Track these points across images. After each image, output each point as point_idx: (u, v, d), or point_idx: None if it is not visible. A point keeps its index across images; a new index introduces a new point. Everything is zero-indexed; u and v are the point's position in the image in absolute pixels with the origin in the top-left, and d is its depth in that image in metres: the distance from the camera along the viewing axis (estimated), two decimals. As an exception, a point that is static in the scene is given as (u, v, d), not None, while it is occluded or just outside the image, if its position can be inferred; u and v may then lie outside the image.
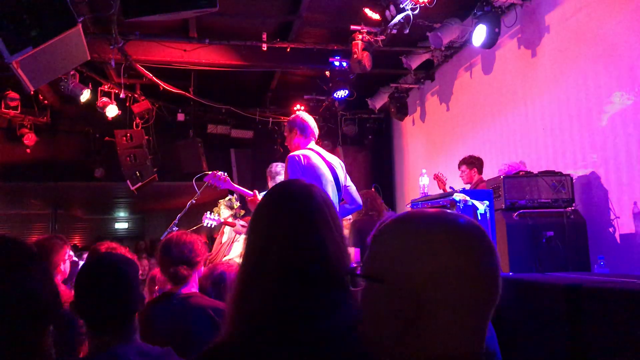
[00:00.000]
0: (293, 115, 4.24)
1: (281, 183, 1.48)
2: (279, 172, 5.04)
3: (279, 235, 1.32)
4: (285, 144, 4.28)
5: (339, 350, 1.24)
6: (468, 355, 0.91)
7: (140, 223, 19.04)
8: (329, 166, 4.02)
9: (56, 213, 16.46)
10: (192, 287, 2.74)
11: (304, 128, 4.13)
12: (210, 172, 4.29)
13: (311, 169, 3.87)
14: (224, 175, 4.25)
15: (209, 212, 5.49)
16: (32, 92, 3.68)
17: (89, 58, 3.57)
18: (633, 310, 1.55)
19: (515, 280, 2.35)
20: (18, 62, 3.31)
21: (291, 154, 3.95)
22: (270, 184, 5.18)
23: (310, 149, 4.06)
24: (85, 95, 7.34)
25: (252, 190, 4.19)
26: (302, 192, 1.40)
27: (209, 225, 5.43)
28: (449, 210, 1.01)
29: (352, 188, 4.23)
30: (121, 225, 19.13)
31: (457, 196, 3.28)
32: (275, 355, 1.21)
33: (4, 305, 1.05)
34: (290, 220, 1.34)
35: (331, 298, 1.29)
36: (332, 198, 3.89)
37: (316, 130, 4.21)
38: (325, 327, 1.25)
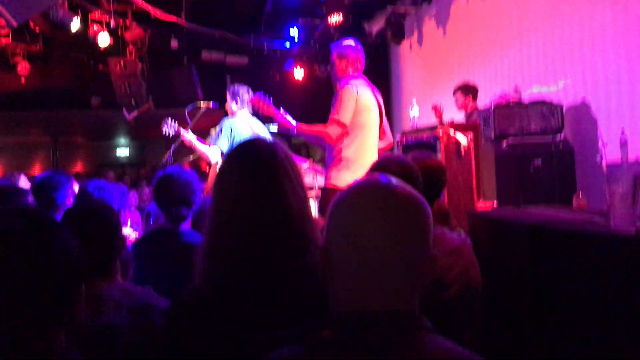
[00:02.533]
0: (344, 43, 4.16)
1: (245, 141, 1.54)
2: (237, 92, 5.04)
3: (245, 190, 1.41)
4: (333, 70, 4.21)
5: (300, 295, 1.34)
6: (388, 312, 0.99)
7: (141, 149, 19.12)
8: (375, 98, 4.03)
9: (57, 141, 16.51)
10: (188, 225, 2.81)
11: (356, 58, 4.08)
12: (256, 93, 4.14)
13: (364, 99, 3.87)
14: (268, 98, 4.06)
15: (169, 118, 5.38)
16: (15, 27, 3.63)
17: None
18: (583, 249, 1.63)
19: (487, 215, 2.42)
20: (-3, -3, 3.26)
21: (345, 80, 3.93)
22: (230, 104, 5.16)
23: (360, 78, 4.04)
24: (76, 24, 7.22)
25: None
26: (265, 148, 1.47)
27: (166, 134, 5.37)
28: (381, 180, 1.06)
29: (387, 125, 4.24)
30: (122, 152, 19.22)
31: (441, 130, 3.31)
32: (242, 302, 1.31)
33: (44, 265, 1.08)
34: (254, 176, 1.42)
35: (293, 246, 1.38)
36: (374, 132, 3.95)
37: (363, 61, 4.15)
38: (288, 274, 1.35)
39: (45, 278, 1.07)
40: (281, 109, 3.99)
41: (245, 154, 1.49)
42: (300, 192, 1.44)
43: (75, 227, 1.78)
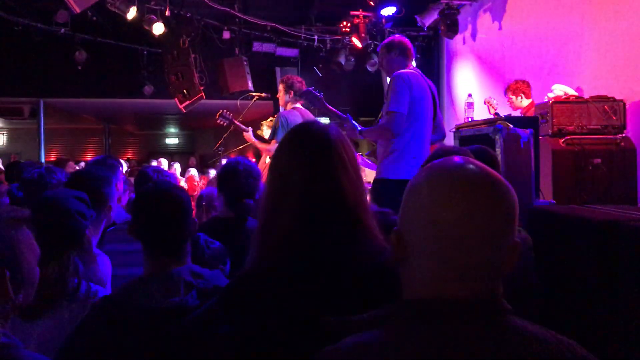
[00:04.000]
0: (389, 38, 4.17)
1: (300, 124, 1.53)
2: (291, 83, 5.03)
3: (297, 173, 1.40)
4: (383, 65, 4.21)
5: (357, 279, 1.31)
6: (467, 300, 0.95)
7: (190, 139, 19.44)
8: (428, 89, 4.00)
9: (109, 128, 16.94)
10: None
11: (404, 49, 4.07)
12: (308, 88, 4.18)
13: (418, 90, 3.85)
14: (320, 93, 4.11)
15: (224, 110, 5.47)
16: (77, 12, 3.70)
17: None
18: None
19: (549, 211, 2.34)
20: (62, -17, 3.33)
21: (399, 72, 3.91)
22: (284, 97, 5.16)
23: (411, 69, 4.03)
24: (132, 13, 7.34)
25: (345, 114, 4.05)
26: (319, 132, 1.46)
27: (221, 122, 5.46)
28: (465, 160, 1.01)
29: (441, 117, 4.21)
30: (171, 141, 19.59)
31: (500, 123, 3.22)
32: (294, 285, 1.29)
33: None
34: (308, 159, 1.41)
35: (346, 230, 1.36)
36: (428, 123, 3.92)
37: (413, 52, 4.14)
38: (340, 257, 1.33)
39: None
40: (348, 115, 3.97)
41: (299, 137, 1.48)
42: (353, 176, 1.42)
43: (151, 209, 1.80)
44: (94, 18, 8.63)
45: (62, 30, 8.36)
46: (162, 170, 3.03)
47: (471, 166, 0.98)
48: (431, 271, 0.96)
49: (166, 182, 2.14)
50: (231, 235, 2.60)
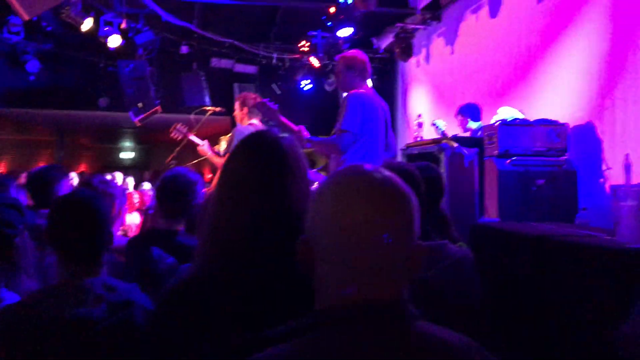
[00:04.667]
0: (351, 53, 4.20)
1: (254, 132, 1.54)
2: (246, 100, 5.05)
3: (246, 181, 1.41)
4: (339, 80, 4.24)
5: (294, 289, 1.33)
6: (380, 301, 0.97)
7: (146, 153, 19.16)
8: (381, 109, 4.07)
9: (62, 140, 16.55)
10: (181, 224, 2.79)
11: (363, 69, 4.12)
12: (263, 100, 4.18)
13: (370, 110, 3.92)
14: (275, 105, 4.10)
15: (179, 124, 5.45)
16: (26, 19, 3.66)
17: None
18: (589, 262, 1.63)
19: (489, 227, 2.43)
20: (11, -10, 3.29)
21: (354, 91, 3.97)
22: (239, 113, 5.18)
23: (366, 89, 4.08)
24: (87, 24, 7.26)
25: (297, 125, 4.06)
26: (272, 141, 1.47)
27: (175, 137, 5.43)
28: (367, 168, 1.04)
29: (392, 136, 4.28)
30: (127, 155, 19.26)
31: (446, 142, 3.32)
32: (236, 292, 1.30)
33: None
34: (258, 166, 1.43)
35: (290, 240, 1.38)
36: (381, 141, 3.97)
37: (370, 72, 4.21)
38: (281, 271, 1.34)
39: None
40: (300, 126, 4.02)
41: (251, 144, 1.49)
42: (302, 186, 1.44)
43: (64, 216, 1.78)
44: (49, 28, 8.50)
45: (14, 39, 8.19)
46: (108, 181, 3.00)
47: (372, 172, 1.01)
48: (336, 277, 0.98)
49: (87, 191, 2.11)
50: (163, 247, 2.61)
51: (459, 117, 5.88)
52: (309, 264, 1.02)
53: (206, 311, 1.30)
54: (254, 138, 1.51)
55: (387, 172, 1.03)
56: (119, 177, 9.54)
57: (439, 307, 1.88)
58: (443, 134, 4.75)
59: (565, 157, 4.59)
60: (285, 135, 1.57)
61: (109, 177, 9.41)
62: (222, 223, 1.40)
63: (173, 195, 2.70)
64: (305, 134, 3.94)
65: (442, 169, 3.33)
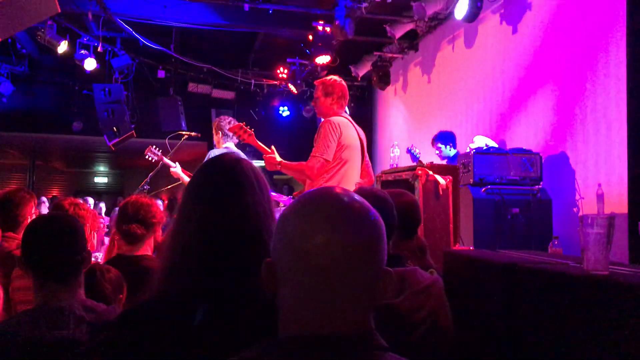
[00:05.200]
0: (330, 80, 4.18)
1: (214, 156, 1.54)
2: (221, 124, 5.07)
3: (207, 200, 1.40)
4: (317, 106, 4.21)
5: (257, 308, 1.28)
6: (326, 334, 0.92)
7: (120, 178, 18.97)
8: (358, 136, 4.07)
9: (34, 164, 16.30)
10: (147, 250, 2.75)
11: (341, 97, 4.12)
12: (239, 123, 4.18)
13: (346, 136, 3.91)
14: (250, 129, 4.14)
15: (153, 146, 5.42)
16: (0, 41, 3.60)
17: (59, 11, 3.50)
18: (557, 289, 1.60)
19: (462, 255, 2.40)
20: (-18, 10, 3.24)
21: (330, 118, 3.97)
22: (215, 137, 5.20)
23: (343, 116, 4.08)
24: (63, 47, 7.21)
25: (270, 148, 4.09)
26: (228, 160, 1.48)
27: (149, 158, 5.39)
28: (333, 190, 1.01)
29: (369, 163, 4.27)
30: (101, 180, 19.05)
31: (420, 170, 3.31)
32: (194, 313, 1.25)
33: None
34: (217, 184, 1.42)
35: (251, 260, 1.34)
36: (356, 168, 3.95)
37: (347, 99, 4.21)
38: (244, 287, 1.30)
39: None
40: (272, 148, 4.04)
41: (210, 166, 1.49)
42: (265, 205, 1.42)
43: (40, 235, 1.75)
44: (24, 50, 8.42)
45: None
46: (79, 203, 2.93)
47: (338, 195, 0.98)
48: (297, 302, 0.94)
49: (60, 212, 2.10)
50: (127, 272, 2.56)
51: (436, 145, 5.91)
52: (272, 287, 0.98)
53: (161, 333, 1.25)
54: (213, 159, 1.52)
55: (355, 196, 1.00)
56: (90, 202, 9.38)
57: (408, 333, 1.83)
58: (418, 160, 4.76)
59: (540, 186, 4.61)
60: (243, 156, 1.57)
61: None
62: (180, 243, 1.37)
63: (125, 219, 2.67)
64: (276, 157, 3.97)
65: (417, 196, 3.30)
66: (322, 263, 0.91)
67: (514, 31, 5.63)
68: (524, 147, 4.87)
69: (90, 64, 7.77)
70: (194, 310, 1.26)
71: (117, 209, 8.84)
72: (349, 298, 0.92)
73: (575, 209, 4.66)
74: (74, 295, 1.73)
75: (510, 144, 5.19)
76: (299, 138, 9.92)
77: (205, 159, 4.95)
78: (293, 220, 0.96)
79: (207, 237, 1.35)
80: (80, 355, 1.48)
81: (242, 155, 5.01)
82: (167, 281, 1.35)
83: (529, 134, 5.32)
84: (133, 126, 8.51)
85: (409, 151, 4.99)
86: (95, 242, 3.39)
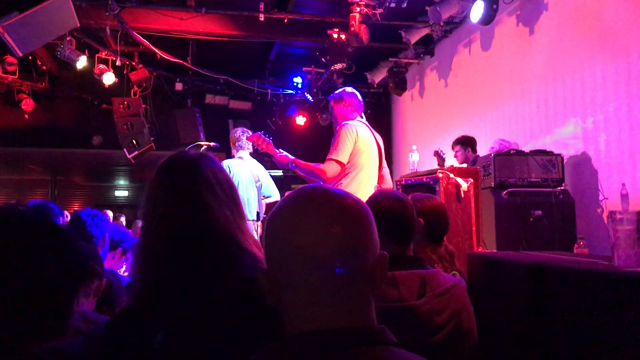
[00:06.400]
0: (338, 91, 4.24)
1: (171, 156, 1.52)
2: (237, 135, 5.09)
3: (160, 203, 1.40)
4: (333, 115, 4.27)
5: (229, 305, 1.27)
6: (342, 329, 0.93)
7: (140, 191, 19.07)
8: (375, 141, 4.05)
9: (55, 179, 16.49)
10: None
11: (352, 101, 4.13)
12: (257, 132, 4.20)
13: (362, 141, 3.89)
14: (268, 138, 4.14)
15: None
16: (20, 56, 3.67)
17: (78, 25, 3.55)
18: (586, 288, 1.56)
19: (485, 257, 2.36)
20: (4, 27, 3.30)
21: (346, 122, 3.97)
22: (232, 146, 5.22)
23: (359, 120, 4.08)
24: (82, 62, 7.29)
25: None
26: (186, 157, 1.48)
27: None
28: (314, 186, 1.03)
29: (387, 170, 4.26)
30: (121, 193, 19.17)
31: (440, 173, 3.28)
32: (168, 319, 1.25)
33: None
34: (172, 188, 1.41)
35: (219, 257, 1.33)
36: (373, 173, 3.94)
37: (362, 105, 4.21)
38: (213, 285, 1.31)
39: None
40: (280, 150, 4.03)
41: (167, 168, 1.47)
42: (228, 203, 1.42)
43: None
44: (44, 67, 8.55)
45: (10, 78, 8.22)
46: (97, 213, 2.94)
47: (321, 189, 1.00)
48: (303, 301, 0.94)
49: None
50: None
51: (456, 148, 5.86)
52: (274, 295, 0.98)
53: (140, 342, 1.25)
54: (170, 158, 1.50)
55: (336, 189, 1.02)
56: (109, 215, 9.47)
57: (431, 335, 1.81)
58: (440, 164, 4.73)
59: (562, 187, 4.55)
60: (205, 153, 1.54)
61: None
62: (146, 249, 1.38)
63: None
64: (289, 155, 3.94)
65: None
66: (319, 256, 0.92)
67: (531, 32, 5.58)
68: (545, 149, 4.82)
69: (108, 79, 7.85)
70: (154, 331, 1.26)
71: (138, 221, 8.90)
72: (350, 289, 0.94)
73: (599, 210, 4.58)
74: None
75: (531, 146, 5.12)
76: (316, 146, 9.89)
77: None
78: (283, 221, 0.97)
79: (171, 245, 1.34)
80: None
81: (265, 172, 4.97)
82: (134, 294, 1.35)
83: (549, 135, 5.25)
84: (152, 139, 8.58)
85: (436, 153, 4.95)
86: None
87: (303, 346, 0.91)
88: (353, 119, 4.06)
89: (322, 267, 0.92)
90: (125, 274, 3.61)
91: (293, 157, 3.96)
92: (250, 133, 4.67)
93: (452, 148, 5.91)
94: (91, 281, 1.79)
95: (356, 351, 0.90)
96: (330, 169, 3.80)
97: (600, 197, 4.57)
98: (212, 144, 5.97)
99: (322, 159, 3.98)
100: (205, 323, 1.25)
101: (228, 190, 1.44)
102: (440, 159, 6.06)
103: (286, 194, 1.08)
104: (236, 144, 5.23)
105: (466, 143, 5.87)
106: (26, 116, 8.96)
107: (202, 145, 6.24)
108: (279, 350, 0.93)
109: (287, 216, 0.97)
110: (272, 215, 1.00)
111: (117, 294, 2.30)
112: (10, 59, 7.94)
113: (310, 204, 0.97)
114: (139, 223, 7.79)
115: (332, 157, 3.82)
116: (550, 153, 4.65)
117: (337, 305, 0.93)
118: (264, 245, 1.01)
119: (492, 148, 5.09)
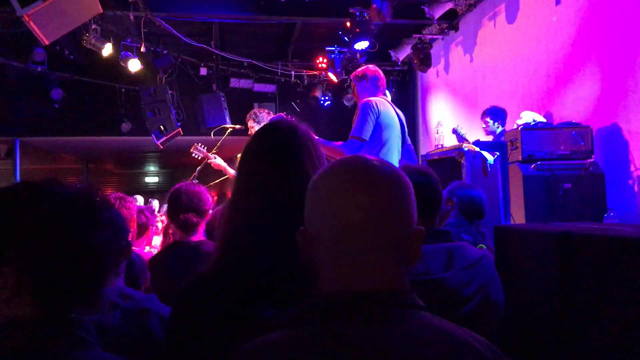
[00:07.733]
0: (360, 69, 4.26)
1: (269, 122, 1.53)
2: (259, 116, 5.09)
3: (264, 168, 1.39)
4: (355, 94, 4.29)
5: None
6: (379, 290, 0.96)
7: (170, 177, 19.33)
8: (397, 117, 4.05)
9: (88, 167, 16.79)
10: (201, 236, 2.82)
11: (374, 78, 4.15)
12: (279, 114, 4.23)
13: (385, 116, 3.90)
14: (291, 118, 4.18)
15: (199, 143, 5.52)
16: (47, 44, 3.73)
17: (101, 11, 3.59)
18: (615, 255, 1.55)
19: (513, 228, 2.35)
20: (30, 15, 3.36)
21: (368, 98, 3.99)
22: (253, 128, 5.23)
23: (382, 97, 4.08)
24: (107, 50, 7.38)
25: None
26: (287, 126, 1.46)
27: (195, 156, 5.50)
28: (359, 156, 1.05)
29: (412, 146, 4.26)
30: (151, 180, 19.47)
31: (466, 147, 3.26)
32: (254, 284, 1.25)
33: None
34: (276, 150, 1.40)
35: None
36: (396, 149, 3.94)
37: (384, 83, 4.21)
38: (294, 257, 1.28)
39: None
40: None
41: (265, 133, 1.48)
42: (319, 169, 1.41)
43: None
44: (71, 57, 8.67)
45: (39, 69, 8.37)
46: (125, 197, 3.00)
47: (365, 159, 1.02)
48: (334, 263, 0.98)
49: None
50: (177, 255, 2.62)
51: (485, 119, 5.77)
52: (309, 252, 1.02)
53: (217, 308, 1.26)
54: (269, 125, 1.50)
55: (382, 160, 1.04)
56: (139, 200, 9.62)
57: (458, 307, 1.82)
58: (463, 139, 4.69)
59: (591, 160, 4.48)
60: (299, 121, 1.53)
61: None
62: (239, 212, 1.37)
63: (178, 208, 2.72)
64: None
65: (464, 174, 3.26)
66: (353, 221, 0.95)
67: (557, 2, 5.46)
68: (573, 121, 4.74)
69: (134, 65, 7.93)
70: (251, 281, 1.25)
71: (152, 200, 9.02)
72: (381, 255, 0.97)
73: (630, 181, 4.51)
74: (110, 285, 1.74)
75: (559, 119, 5.04)
76: (341, 127, 9.87)
77: None
78: (323, 185, 1.01)
79: (271, 200, 1.33)
80: (112, 339, 1.51)
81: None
82: (226, 250, 1.35)
83: (577, 107, 5.16)
84: (179, 124, 8.66)
85: (455, 131, 4.91)
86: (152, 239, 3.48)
87: (331, 306, 0.94)
88: (375, 97, 4.06)
89: (354, 232, 0.95)
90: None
91: (316, 138, 3.96)
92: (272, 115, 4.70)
93: (481, 118, 5.83)
94: (123, 257, 1.84)
95: (384, 312, 0.93)
96: (351, 146, 3.82)
97: (631, 169, 4.49)
98: (237, 126, 6.01)
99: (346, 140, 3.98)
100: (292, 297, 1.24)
101: (322, 157, 1.46)
102: (459, 137, 5.99)
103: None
104: (258, 124, 5.22)
105: (496, 115, 5.76)
106: (56, 105, 9.12)
107: (227, 128, 6.29)
108: (308, 309, 0.97)
109: (325, 182, 1.01)
110: (313, 182, 1.04)
111: (140, 271, 2.35)
112: (39, 50, 8.08)
113: (349, 171, 1.00)
114: (153, 202, 7.87)
115: (354, 134, 3.84)
116: (579, 125, 4.58)
117: (365, 267, 0.96)
118: (305, 206, 1.05)
119: (520, 121, 5.02)
